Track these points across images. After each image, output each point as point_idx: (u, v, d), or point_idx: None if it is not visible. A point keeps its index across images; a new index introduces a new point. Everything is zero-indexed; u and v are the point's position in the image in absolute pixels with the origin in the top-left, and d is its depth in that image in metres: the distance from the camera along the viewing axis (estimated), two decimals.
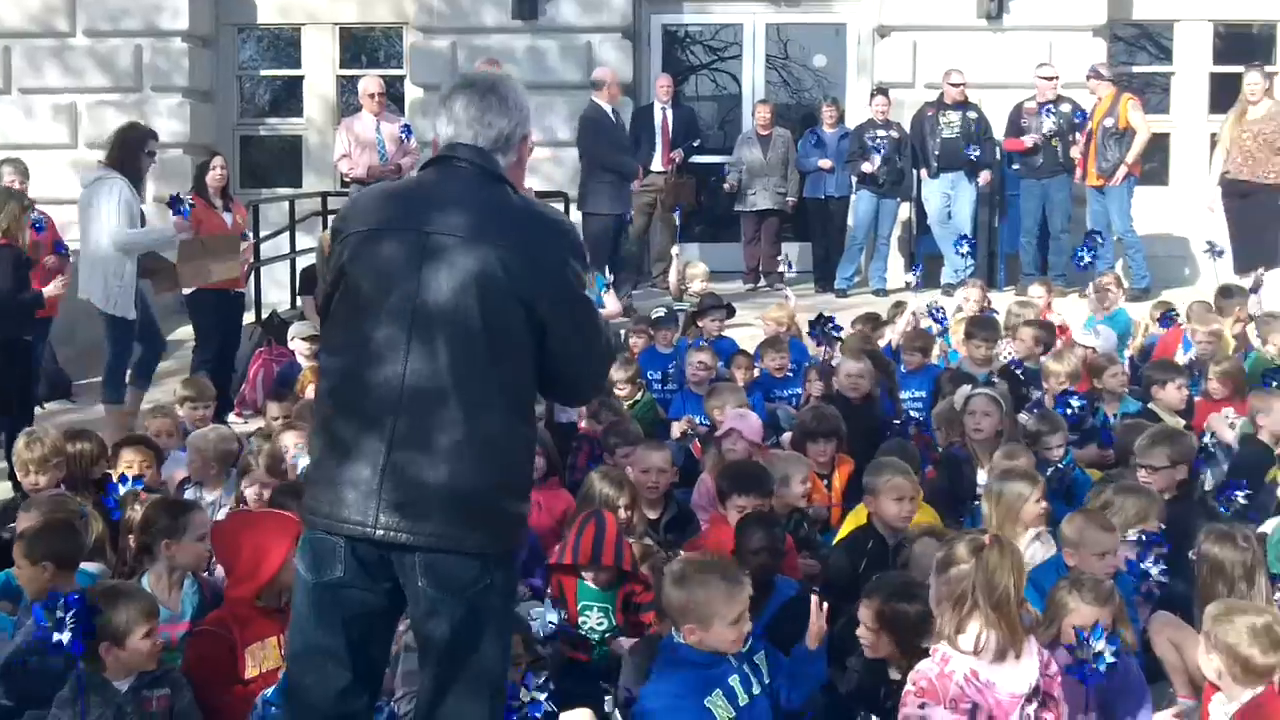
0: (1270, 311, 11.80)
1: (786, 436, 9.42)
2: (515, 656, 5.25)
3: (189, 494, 8.15)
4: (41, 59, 17.27)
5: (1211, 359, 10.61)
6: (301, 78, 18.18)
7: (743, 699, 5.28)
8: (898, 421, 9.60)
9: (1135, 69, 17.87)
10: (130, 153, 11.13)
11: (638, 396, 10.45)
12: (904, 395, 10.66)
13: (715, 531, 7.40)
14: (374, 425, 4.17)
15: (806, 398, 10.30)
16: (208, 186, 12.27)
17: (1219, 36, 17.58)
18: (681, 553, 7.27)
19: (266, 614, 5.83)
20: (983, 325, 11.16)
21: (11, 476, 8.12)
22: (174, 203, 11.42)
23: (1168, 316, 12.25)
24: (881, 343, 11.58)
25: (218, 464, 8.38)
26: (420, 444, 4.14)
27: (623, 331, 12.47)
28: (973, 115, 15.69)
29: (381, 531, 4.14)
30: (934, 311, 12.20)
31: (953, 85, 15.62)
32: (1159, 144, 16.86)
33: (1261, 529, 7.13)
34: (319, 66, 18.01)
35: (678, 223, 15.22)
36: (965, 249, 14.07)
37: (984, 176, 15.59)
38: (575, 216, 15.20)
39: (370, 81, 14.21)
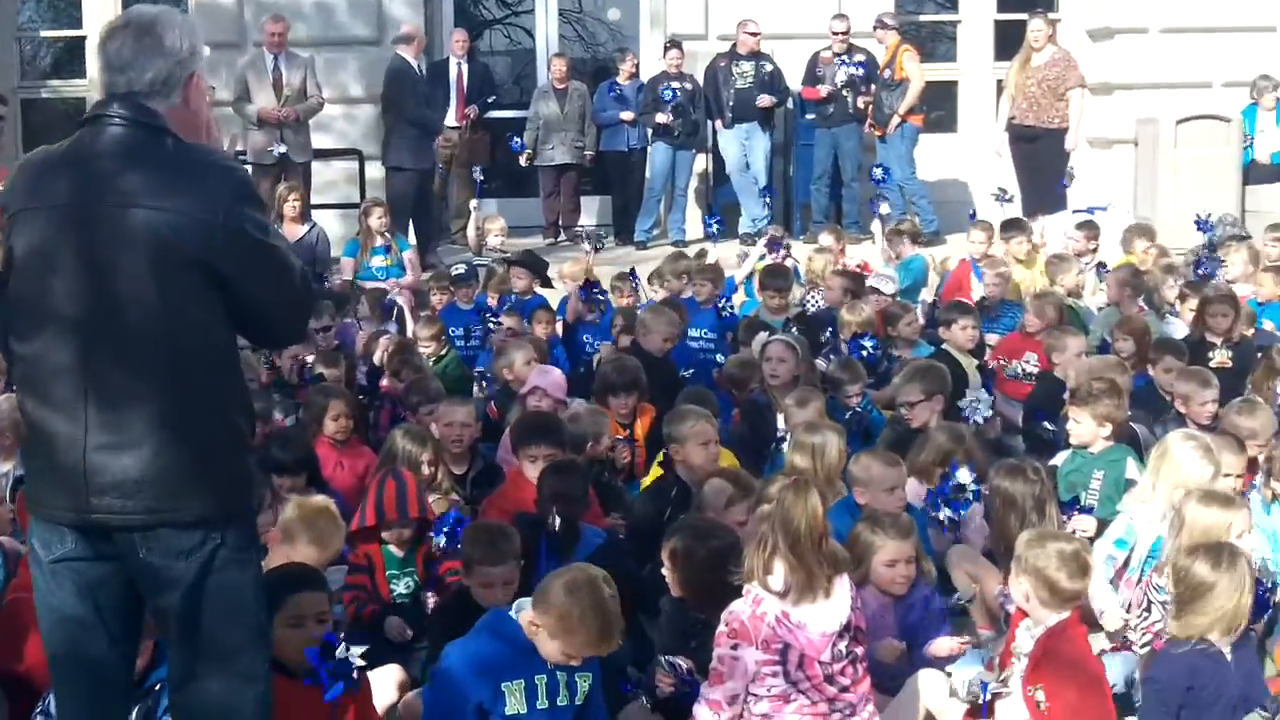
0: (1058, 253, 12.13)
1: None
2: (320, 615, 5.18)
3: None
4: None
5: (1000, 299, 10.90)
6: (84, 38, 17.63)
7: (542, 702, 5.09)
8: (690, 371, 9.76)
9: (922, 18, 18.15)
10: None
11: (443, 353, 10.39)
12: (693, 333, 10.78)
13: (515, 486, 7.41)
14: (68, 411, 4.02)
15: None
16: None
17: None
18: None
19: None
20: (777, 275, 11.33)
21: None
22: None
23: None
24: (687, 294, 11.64)
25: (10, 434, 8.13)
26: (114, 425, 3.99)
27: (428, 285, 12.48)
28: (766, 66, 15.79)
29: (96, 515, 4.02)
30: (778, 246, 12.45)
31: (749, 34, 15.71)
32: (946, 92, 17.22)
33: (1053, 461, 7.35)
34: (101, 27, 17.41)
35: (478, 178, 15.09)
36: (766, 199, 14.18)
37: (764, 99, 15.64)
38: (374, 172, 15.12)
39: None
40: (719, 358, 10.12)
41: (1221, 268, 11.66)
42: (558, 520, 6.42)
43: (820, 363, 9.35)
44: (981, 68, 17.79)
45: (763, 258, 12.54)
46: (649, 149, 16.11)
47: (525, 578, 5.96)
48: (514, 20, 18.61)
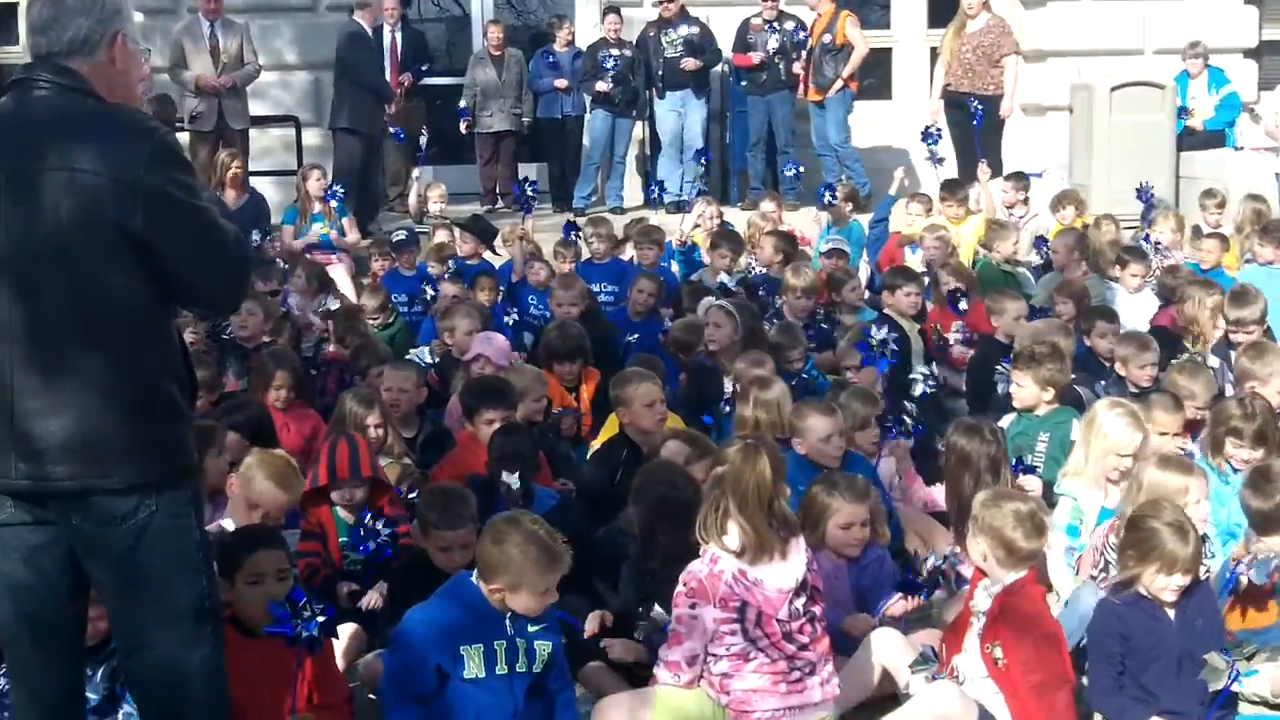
0: (997, 219, 12.24)
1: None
2: (280, 571, 5.20)
3: None
4: None
5: (940, 262, 10.99)
6: (15, 5, 17.20)
7: (501, 668, 5.08)
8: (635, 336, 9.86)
9: None
10: None
11: (389, 321, 10.38)
12: (593, 288, 10.94)
13: (466, 450, 7.44)
14: None
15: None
16: None
17: None
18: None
19: None
20: (728, 237, 11.40)
21: None
22: None
23: None
24: (625, 257, 11.69)
25: None
26: (38, 391, 3.96)
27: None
28: (695, 30, 15.77)
29: (25, 481, 4.01)
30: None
31: (666, 2, 15.72)
32: (880, 59, 17.26)
33: (1000, 423, 7.44)
34: None
35: (422, 145, 15.00)
36: (702, 162, 14.22)
37: (689, 62, 15.63)
38: (310, 139, 15.04)
39: None
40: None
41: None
42: (516, 480, 6.43)
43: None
44: (915, 34, 17.87)
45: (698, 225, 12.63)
46: (587, 116, 16.09)
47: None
48: None
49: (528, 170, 16.31)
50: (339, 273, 12.29)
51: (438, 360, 9.33)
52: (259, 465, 6.30)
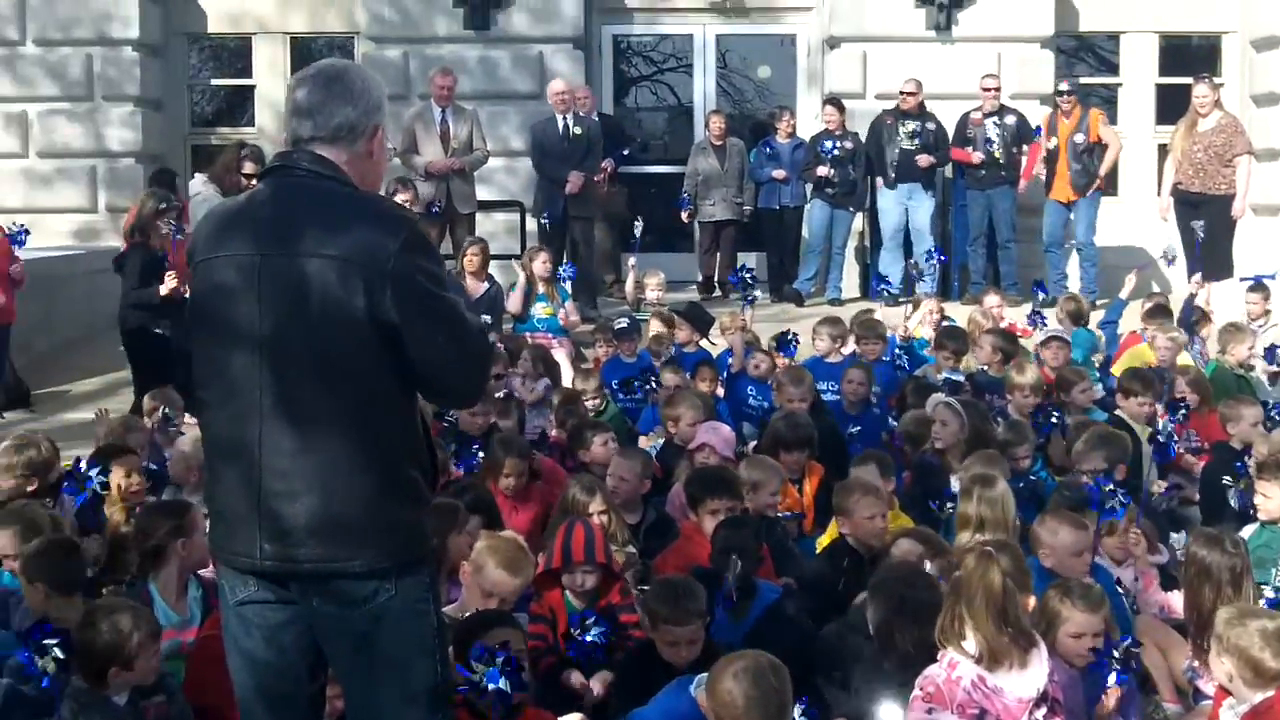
0: (1233, 322, 11.95)
1: (751, 447, 9.47)
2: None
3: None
4: None
5: (1172, 365, 10.76)
6: (253, 87, 18.07)
7: None
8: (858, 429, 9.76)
9: (1082, 80, 18.02)
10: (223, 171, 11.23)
11: (603, 407, 10.45)
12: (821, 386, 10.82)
13: (690, 541, 7.42)
14: (243, 458, 4.08)
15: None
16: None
17: (1162, 48, 17.82)
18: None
19: None
20: (953, 336, 11.28)
21: None
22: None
23: None
24: (846, 351, 11.63)
25: (200, 470, 8.30)
26: (285, 473, 4.03)
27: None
28: (930, 125, 15.78)
29: (269, 562, 4.07)
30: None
31: (910, 94, 15.73)
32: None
33: (1241, 534, 7.23)
34: (270, 76, 17.88)
35: (636, 233, 15.15)
36: (935, 260, 14.14)
37: (923, 159, 15.63)
38: (534, 224, 15.26)
39: None
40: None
41: None
42: (737, 570, 6.40)
43: None
44: (1143, 131, 17.68)
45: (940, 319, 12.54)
46: (807, 206, 16.12)
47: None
48: (662, 77, 18.76)
49: (746, 259, 16.36)
50: (560, 356, 12.43)
51: (659, 448, 9.36)
52: (490, 552, 6.33)
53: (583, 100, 15.49)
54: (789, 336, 11.81)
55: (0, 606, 6.38)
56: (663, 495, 8.65)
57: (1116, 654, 5.63)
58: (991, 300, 13.25)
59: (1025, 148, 15.62)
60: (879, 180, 15.95)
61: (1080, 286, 15.02)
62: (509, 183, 16.37)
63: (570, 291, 13.58)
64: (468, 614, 5.93)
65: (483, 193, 15.40)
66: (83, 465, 7.40)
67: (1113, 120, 17.52)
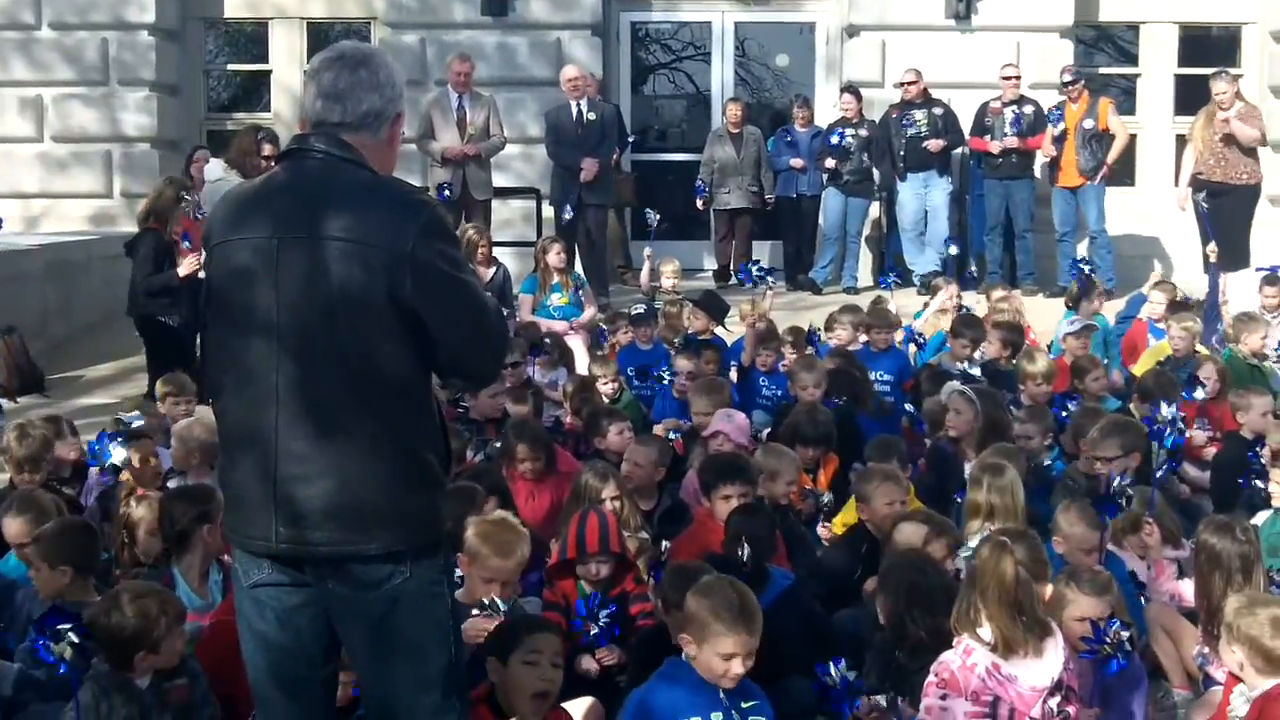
0: (1246, 311, 11.92)
1: (765, 434, 9.47)
2: (556, 655, 5.27)
3: (172, 484, 8.10)
4: (7, 52, 17.07)
5: (1187, 354, 10.75)
6: (269, 72, 18.08)
7: None
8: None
9: (1100, 70, 18.01)
10: (240, 155, 11.18)
11: (619, 394, 10.44)
12: (872, 376, 10.80)
13: (703, 528, 7.42)
14: (259, 442, 4.07)
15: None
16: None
17: (1182, 39, 17.78)
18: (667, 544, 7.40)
19: None
20: (970, 324, 11.26)
21: None
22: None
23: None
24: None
25: (200, 454, 8.33)
26: (301, 457, 4.03)
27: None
28: (938, 112, 15.78)
29: (284, 546, 4.06)
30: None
31: (910, 84, 15.77)
32: (1126, 145, 17.00)
33: (1252, 522, 7.21)
34: (286, 61, 17.89)
35: (652, 221, 15.10)
36: (950, 250, 14.12)
37: (934, 143, 15.64)
38: (549, 211, 15.27)
39: None
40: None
41: None
42: (747, 557, 6.40)
43: None
44: (1162, 122, 17.65)
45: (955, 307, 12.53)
46: (823, 195, 16.14)
47: None
48: (679, 65, 18.76)
49: (762, 248, 16.40)
50: (576, 344, 12.43)
51: (684, 433, 9.36)
52: (481, 540, 6.19)
53: (592, 87, 15.51)
54: (813, 333, 11.76)
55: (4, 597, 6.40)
56: (678, 482, 8.65)
57: (1107, 639, 5.60)
58: (997, 294, 13.20)
59: (1040, 136, 15.59)
60: (893, 171, 15.96)
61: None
62: (525, 170, 16.37)
63: (584, 278, 13.58)
64: (475, 607, 5.90)
65: (499, 179, 15.40)
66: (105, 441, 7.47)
67: (1131, 110, 17.53)
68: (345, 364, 4.01)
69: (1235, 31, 17.84)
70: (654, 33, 18.50)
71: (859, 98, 16.01)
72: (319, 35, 17.95)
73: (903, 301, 13.65)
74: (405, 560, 4.09)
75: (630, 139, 16.29)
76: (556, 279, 13.17)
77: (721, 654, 5.09)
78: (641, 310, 12.29)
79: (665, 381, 10.61)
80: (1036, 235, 15.78)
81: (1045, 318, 13.22)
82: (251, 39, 18.38)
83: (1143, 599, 6.93)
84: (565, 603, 6.55)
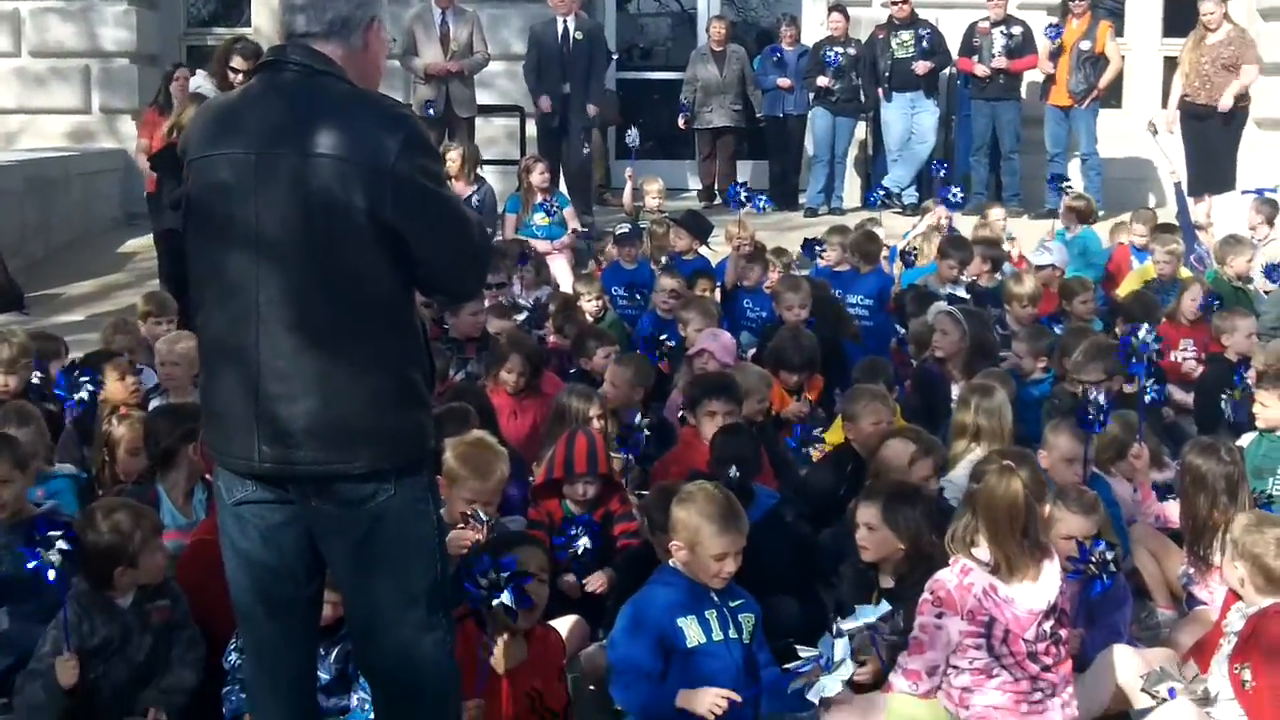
0: (1233, 234, 11.90)
1: (750, 355, 9.44)
2: (541, 571, 5.28)
3: (154, 404, 8.05)
4: None
5: (1172, 277, 10.74)
6: None
7: (717, 634, 5.28)
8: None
9: None
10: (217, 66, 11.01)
11: (603, 313, 10.40)
12: (852, 300, 10.82)
13: (688, 447, 7.41)
14: (240, 359, 4.02)
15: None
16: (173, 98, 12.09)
17: None
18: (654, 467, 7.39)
19: None
20: (958, 245, 11.21)
21: None
22: None
23: None
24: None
25: (186, 372, 8.28)
26: (284, 375, 3.97)
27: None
28: (924, 32, 15.65)
29: (267, 465, 4.03)
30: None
31: (896, 3, 15.65)
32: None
33: (1239, 442, 7.22)
34: None
35: (633, 140, 14.96)
36: (940, 173, 14.06)
37: (921, 65, 15.53)
38: (535, 129, 15.15)
39: None
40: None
41: None
42: (735, 472, 6.38)
43: None
44: (1149, 43, 17.53)
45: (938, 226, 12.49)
46: (809, 115, 16.02)
47: None
48: None
49: (747, 167, 16.30)
50: (559, 263, 12.37)
51: (672, 347, 9.32)
52: (459, 462, 6.06)
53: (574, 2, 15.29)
54: (811, 243, 11.71)
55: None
56: (662, 401, 8.62)
57: (1093, 558, 5.59)
58: (996, 213, 13.16)
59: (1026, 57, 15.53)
60: (879, 92, 15.84)
61: None
62: (509, 87, 16.18)
63: (568, 198, 13.49)
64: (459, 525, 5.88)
65: (483, 97, 15.24)
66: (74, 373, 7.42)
67: (1120, 32, 17.38)
68: (327, 280, 3.95)
69: None
70: None
71: (847, 16, 15.90)
72: None
73: (889, 223, 13.58)
74: (390, 478, 4.06)
75: (614, 57, 16.11)
76: (540, 198, 13.07)
77: (714, 554, 5.25)
78: (626, 228, 12.23)
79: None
80: (1023, 157, 15.69)
81: (1031, 239, 13.16)
82: None
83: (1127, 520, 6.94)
84: (550, 521, 6.55)
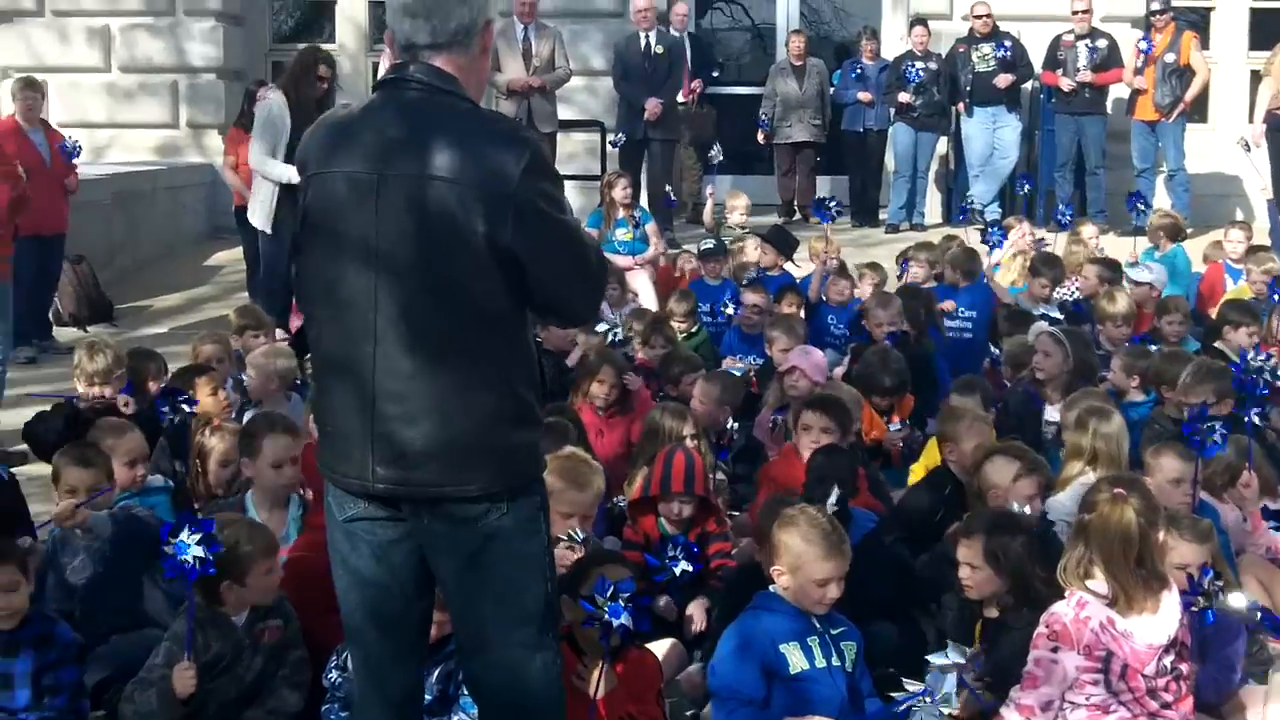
0: None
1: (838, 372, 9.37)
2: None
3: (249, 415, 8.08)
4: None
5: (1266, 298, 10.57)
6: (333, 2, 17.94)
7: (820, 661, 5.23)
8: None
9: (1175, 3, 17.68)
10: (296, 77, 10.94)
11: (693, 330, 10.37)
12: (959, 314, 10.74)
13: (785, 462, 7.37)
14: (356, 378, 4.00)
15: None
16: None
17: None
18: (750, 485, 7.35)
19: None
20: (1050, 263, 11.08)
21: None
22: None
23: None
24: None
25: (279, 384, 8.32)
26: (401, 396, 3.95)
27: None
28: (1006, 44, 15.54)
29: (381, 485, 4.01)
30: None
31: (977, 17, 15.54)
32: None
33: None
34: None
35: (715, 156, 14.96)
36: (1024, 189, 13.94)
37: (1003, 79, 15.40)
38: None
39: None
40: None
41: None
42: (835, 498, 6.31)
43: None
44: (1235, 57, 17.35)
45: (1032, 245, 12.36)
46: (890, 130, 15.94)
47: None
48: None
49: (826, 182, 16.25)
50: (641, 280, 12.35)
51: (758, 368, 9.25)
52: (557, 475, 5.97)
53: (679, 17, 15.46)
54: (907, 260, 11.64)
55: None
56: (751, 420, 8.58)
57: (1203, 589, 5.48)
58: (1089, 230, 13.02)
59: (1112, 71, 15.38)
60: (960, 106, 15.76)
61: None
62: (590, 102, 16.24)
63: (650, 214, 13.48)
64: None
65: (564, 112, 15.25)
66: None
67: (1205, 45, 17.19)
68: (444, 301, 3.93)
69: None
70: None
71: (929, 30, 15.82)
72: None
73: (972, 239, 13.45)
74: (503, 498, 4.04)
75: (715, 74, 16.10)
76: (622, 214, 13.04)
77: (816, 580, 5.22)
78: (710, 244, 12.20)
79: (730, 313, 10.51)
80: (1109, 172, 15.54)
81: (1117, 257, 13.01)
82: None
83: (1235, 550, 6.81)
84: (646, 541, 6.53)
